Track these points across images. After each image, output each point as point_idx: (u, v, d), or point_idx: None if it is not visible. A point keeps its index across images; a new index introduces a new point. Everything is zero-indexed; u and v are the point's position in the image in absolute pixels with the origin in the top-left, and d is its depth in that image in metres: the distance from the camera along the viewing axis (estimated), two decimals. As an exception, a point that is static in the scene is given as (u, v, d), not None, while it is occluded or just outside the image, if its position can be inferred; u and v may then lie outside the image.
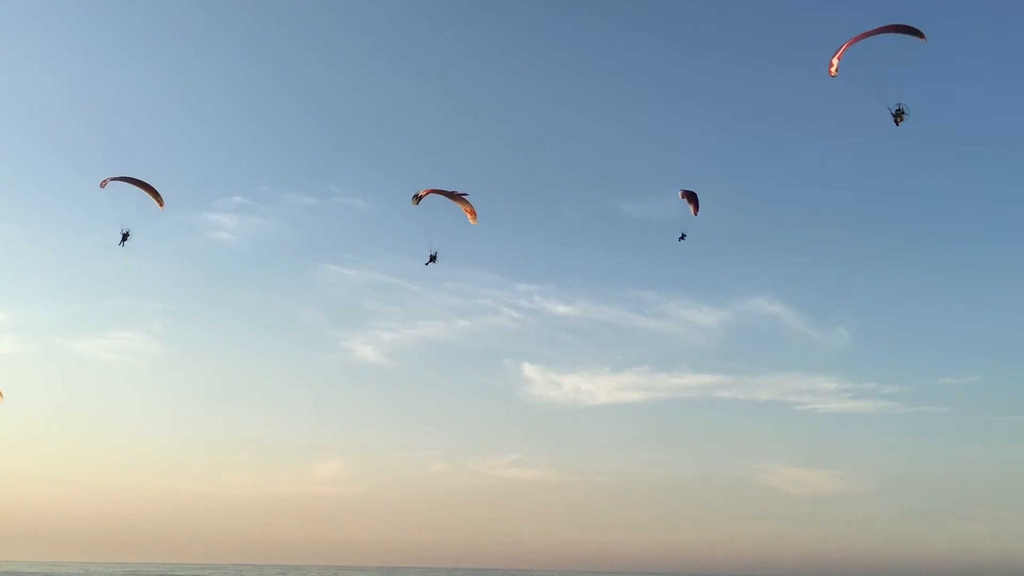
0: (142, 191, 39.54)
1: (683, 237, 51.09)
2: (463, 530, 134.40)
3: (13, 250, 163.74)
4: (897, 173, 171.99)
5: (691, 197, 51.16)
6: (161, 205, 40.10)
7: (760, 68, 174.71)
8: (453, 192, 39.20)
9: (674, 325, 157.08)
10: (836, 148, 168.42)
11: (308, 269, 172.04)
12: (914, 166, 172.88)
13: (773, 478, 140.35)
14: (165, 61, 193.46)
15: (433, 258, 41.22)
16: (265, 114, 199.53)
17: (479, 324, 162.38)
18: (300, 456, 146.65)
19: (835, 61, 36.33)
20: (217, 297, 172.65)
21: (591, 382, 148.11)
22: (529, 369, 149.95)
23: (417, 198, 39.16)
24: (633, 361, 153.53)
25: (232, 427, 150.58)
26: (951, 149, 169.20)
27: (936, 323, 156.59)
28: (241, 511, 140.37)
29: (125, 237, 41.02)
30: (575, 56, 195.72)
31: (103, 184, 39.01)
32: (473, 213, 39.63)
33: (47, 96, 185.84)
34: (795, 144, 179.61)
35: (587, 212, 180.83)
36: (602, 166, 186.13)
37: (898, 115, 36.85)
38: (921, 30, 33.71)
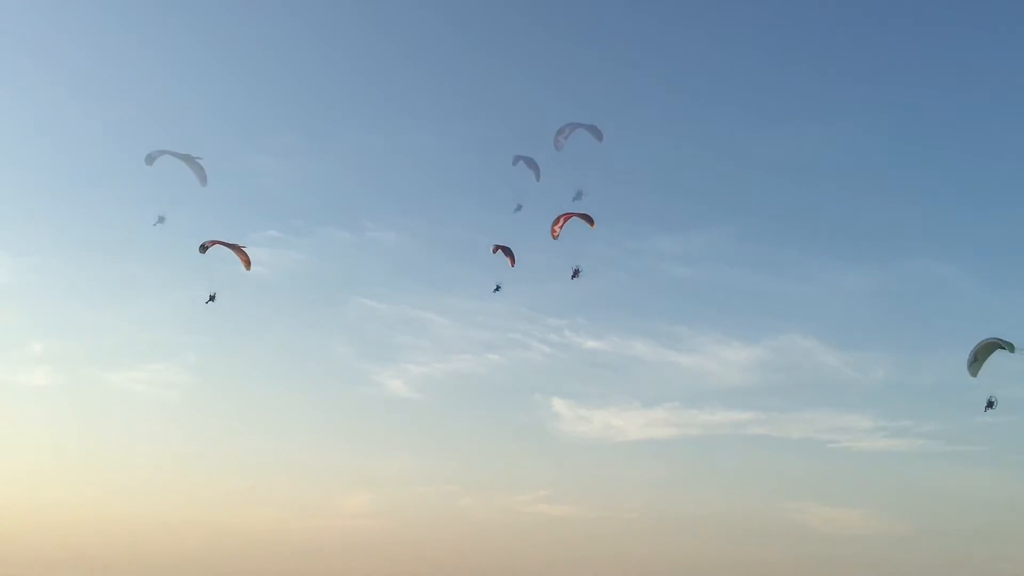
0: None
1: (498, 288, 54.46)
2: (491, 566, 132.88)
3: (48, 281, 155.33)
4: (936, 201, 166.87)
5: (506, 251, 53.35)
6: None
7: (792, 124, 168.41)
8: (235, 244, 44.85)
9: (706, 360, 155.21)
10: (882, 174, 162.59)
11: (341, 303, 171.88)
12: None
13: (805, 516, 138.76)
14: (197, 95, 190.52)
15: (212, 298, 46.86)
16: (301, 153, 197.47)
17: (509, 358, 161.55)
18: (329, 488, 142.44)
19: (557, 229, 48.96)
20: (251, 330, 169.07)
21: (621, 418, 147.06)
22: (559, 404, 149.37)
23: (203, 248, 44.33)
24: (664, 397, 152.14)
25: (262, 458, 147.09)
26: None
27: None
28: (270, 545, 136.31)
29: None
30: (610, 94, 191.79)
31: None
32: (247, 262, 45.46)
33: (74, 124, 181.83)
34: (829, 176, 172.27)
35: (619, 247, 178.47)
36: (634, 201, 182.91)
37: (575, 273, 52.08)
38: (593, 219, 47.99)
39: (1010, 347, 39.49)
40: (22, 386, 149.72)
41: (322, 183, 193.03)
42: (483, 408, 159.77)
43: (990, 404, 43.24)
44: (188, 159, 39.89)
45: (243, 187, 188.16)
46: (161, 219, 43.10)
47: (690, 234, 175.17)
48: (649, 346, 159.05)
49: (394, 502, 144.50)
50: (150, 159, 39.33)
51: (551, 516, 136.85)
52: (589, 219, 46.77)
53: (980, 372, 41.15)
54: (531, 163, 50.32)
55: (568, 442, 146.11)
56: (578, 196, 50.12)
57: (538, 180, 50.82)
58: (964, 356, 41.33)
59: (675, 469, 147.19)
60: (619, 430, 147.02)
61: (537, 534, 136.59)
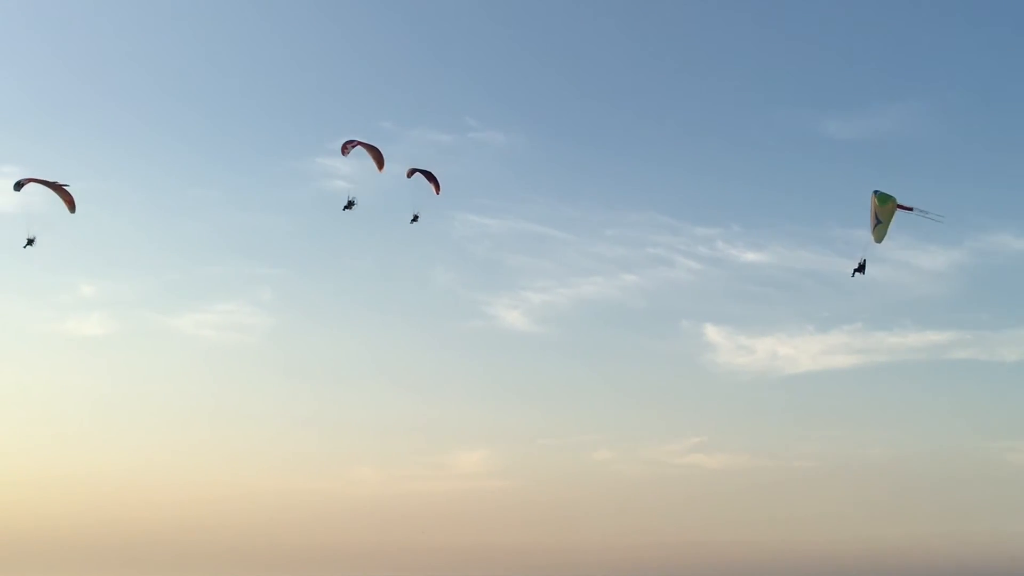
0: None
1: (415, 219, 51.25)
2: (636, 531, 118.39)
3: (98, 212, 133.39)
4: None
5: (428, 175, 50.64)
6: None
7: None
8: (55, 183, 42.38)
9: (894, 270, 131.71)
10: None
11: (440, 219, 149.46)
12: None
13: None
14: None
15: (31, 242, 43.89)
16: (385, 34, 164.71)
17: (649, 279, 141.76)
18: (437, 445, 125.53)
19: (348, 147, 47.35)
20: (335, 257, 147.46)
21: (790, 345, 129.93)
22: (712, 332, 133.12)
23: (18, 185, 42.08)
24: (843, 318, 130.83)
25: (356, 412, 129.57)
26: None
27: None
28: (367, 513, 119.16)
29: None
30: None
31: None
32: (71, 203, 42.48)
33: (133, 25, 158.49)
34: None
35: (780, 135, 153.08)
36: (798, 77, 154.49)
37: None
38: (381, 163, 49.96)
39: (885, 199, 37.58)
40: (73, 336, 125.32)
41: (415, 73, 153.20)
42: (619, 341, 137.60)
43: (860, 268, 40.95)
44: (55, 186, 41.91)
45: (318, 83, 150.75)
46: (30, 242, 44.24)
47: (866, 113, 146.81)
48: (822, 256, 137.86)
49: (515, 459, 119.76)
50: (19, 185, 41.43)
51: (707, 468, 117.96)
52: (379, 159, 47.51)
53: (886, 236, 38.32)
54: (430, 176, 49.95)
55: (725, 377, 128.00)
56: (415, 219, 50.47)
57: (438, 194, 50.44)
58: None
59: (858, 405, 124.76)
60: (788, 360, 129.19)
61: (691, 490, 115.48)
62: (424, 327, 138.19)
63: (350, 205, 47.79)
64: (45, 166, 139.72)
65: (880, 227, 37.83)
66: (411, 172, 49.64)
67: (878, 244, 38.26)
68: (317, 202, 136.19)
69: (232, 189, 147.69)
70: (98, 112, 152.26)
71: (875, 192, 37.67)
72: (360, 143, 46.55)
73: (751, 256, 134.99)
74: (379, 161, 46.64)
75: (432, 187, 50.03)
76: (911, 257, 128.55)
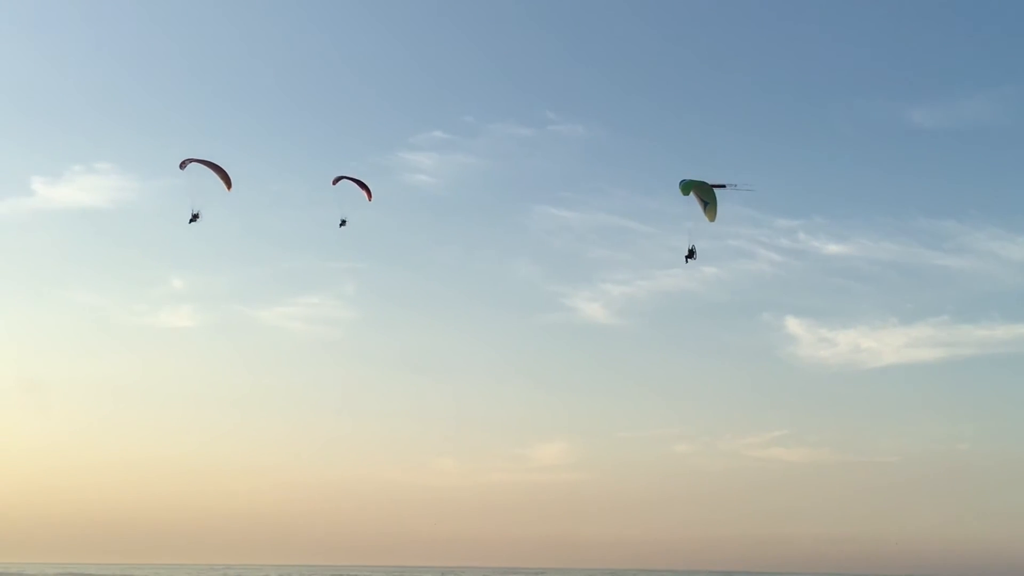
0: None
1: (343, 223, 50.46)
2: (715, 523, 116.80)
3: (182, 204, 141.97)
4: None
5: (360, 184, 51.47)
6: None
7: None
8: None
9: (981, 262, 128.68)
10: None
11: (521, 213, 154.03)
12: None
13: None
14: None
15: None
16: (467, 31, 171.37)
17: (730, 271, 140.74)
18: (517, 437, 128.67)
19: (187, 163, 45.46)
20: (416, 251, 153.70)
21: (873, 338, 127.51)
22: (794, 324, 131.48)
23: None
24: (928, 310, 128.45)
25: (437, 404, 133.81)
26: None
27: None
28: (449, 504, 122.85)
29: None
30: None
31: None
32: None
33: (212, 27, 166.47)
34: None
35: (864, 124, 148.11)
36: (882, 64, 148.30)
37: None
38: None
39: (689, 185, 39.10)
40: (164, 328, 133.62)
41: (496, 68, 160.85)
42: (699, 333, 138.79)
43: (691, 254, 42.05)
44: None
45: (400, 79, 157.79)
46: None
47: (953, 101, 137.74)
48: (906, 247, 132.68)
49: (594, 451, 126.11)
50: None
51: (788, 462, 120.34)
52: (225, 178, 46.36)
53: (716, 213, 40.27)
54: (361, 184, 50.90)
55: (807, 370, 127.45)
56: (342, 224, 49.89)
57: (371, 200, 51.36)
58: None
59: (944, 400, 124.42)
60: (871, 353, 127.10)
61: (771, 484, 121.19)
62: (504, 320, 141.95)
63: (195, 218, 46.25)
64: (137, 163, 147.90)
65: (710, 208, 39.78)
66: (336, 180, 49.42)
67: (712, 223, 40.32)
68: (400, 196, 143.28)
69: (317, 185, 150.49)
70: (188, 110, 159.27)
71: (681, 182, 39.64)
72: (198, 160, 45.57)
73: (833, 248, 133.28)
74: (226, 180, 46.16)
75: (364, 194, 50.64)
76: (999, 248, 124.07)
